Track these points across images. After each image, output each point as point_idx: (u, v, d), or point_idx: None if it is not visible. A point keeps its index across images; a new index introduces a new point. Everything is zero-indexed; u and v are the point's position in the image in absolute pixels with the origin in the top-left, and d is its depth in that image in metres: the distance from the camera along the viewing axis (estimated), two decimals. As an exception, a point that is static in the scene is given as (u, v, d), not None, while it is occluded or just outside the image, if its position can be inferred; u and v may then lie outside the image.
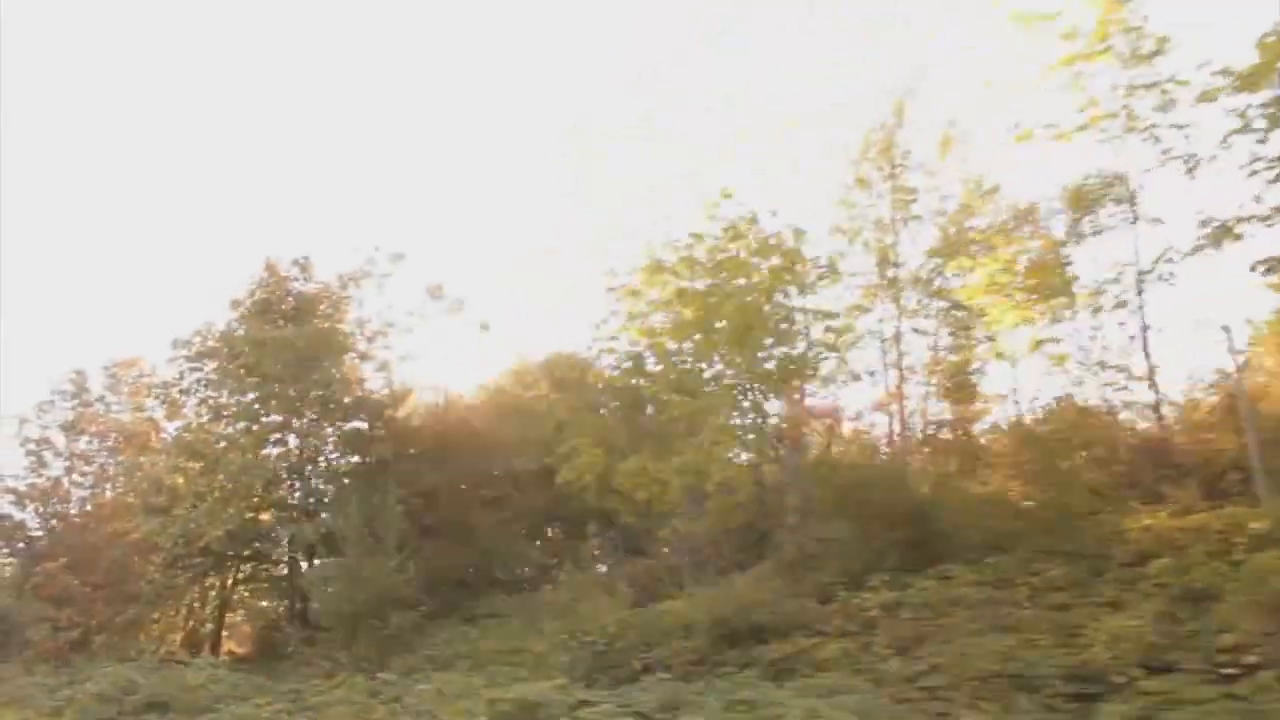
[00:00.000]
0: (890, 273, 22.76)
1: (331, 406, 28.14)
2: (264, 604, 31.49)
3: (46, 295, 59.74)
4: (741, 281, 19.00)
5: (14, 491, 39.35)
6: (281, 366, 27.16)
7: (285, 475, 28.06)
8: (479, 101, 60.40)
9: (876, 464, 18.26)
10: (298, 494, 27.36)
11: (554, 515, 28.28)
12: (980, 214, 22.36)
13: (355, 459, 29.00)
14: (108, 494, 38.67)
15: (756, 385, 19.30)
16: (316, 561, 28.43)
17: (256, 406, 28.21)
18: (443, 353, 28.73)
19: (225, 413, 29.77)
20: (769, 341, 18.91)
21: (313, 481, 27.24)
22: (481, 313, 29.12)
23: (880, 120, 23.09)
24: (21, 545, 39.76)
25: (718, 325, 18.93)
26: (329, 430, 27.99)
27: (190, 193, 64.36)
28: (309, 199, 59.62)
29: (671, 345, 20.03)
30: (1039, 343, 20.57)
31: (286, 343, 27.14)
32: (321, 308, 29.73)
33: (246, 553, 29.37)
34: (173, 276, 60.65)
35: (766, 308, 19.04)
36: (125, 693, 18.84)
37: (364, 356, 29.68)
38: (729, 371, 19.48)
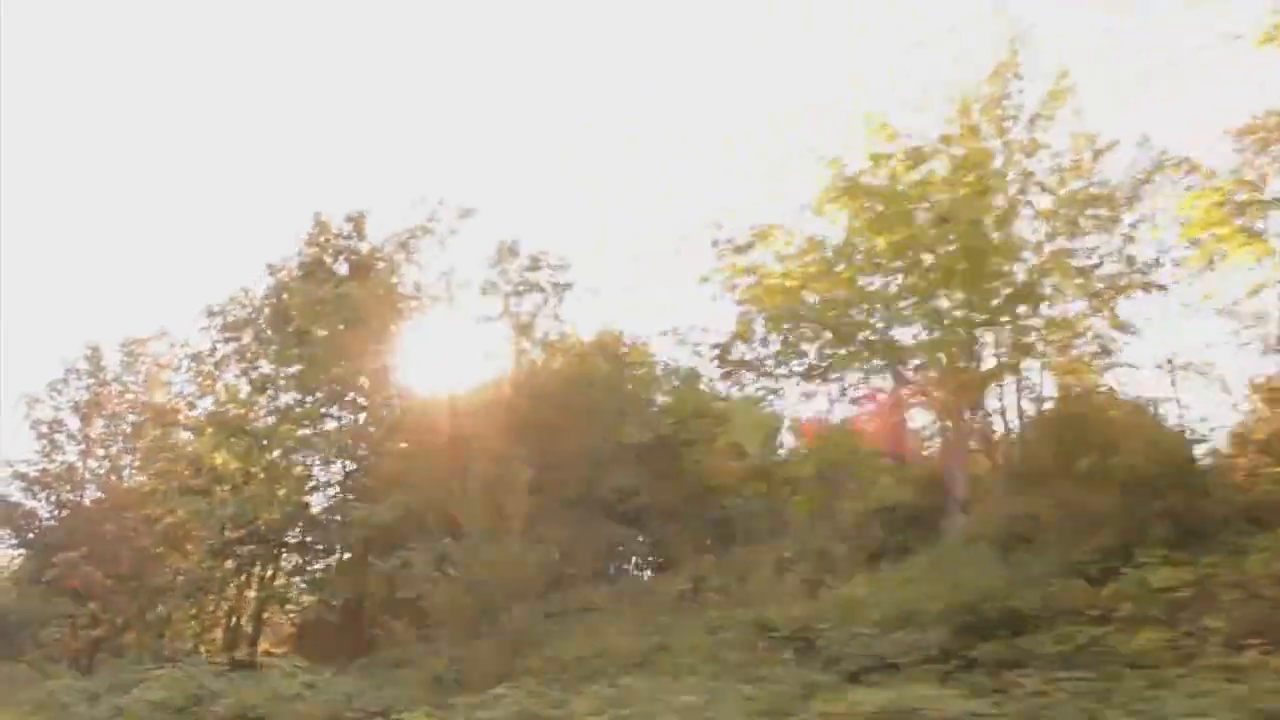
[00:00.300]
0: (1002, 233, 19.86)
1: (395, 374, 24.87)
2: (311, 598, 28.03)
3: (59, 271, 56.44)
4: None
5: (24, 477, 35.98)
6: (340, 329, 23.87)
7: (347, 451, 24.68)
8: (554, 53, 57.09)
9: (1136, 421, 15.21)
10: (363, 473, 23.94)
11: (636, 496, 25.07)
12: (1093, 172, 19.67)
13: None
14: (126, 478, 35.28)
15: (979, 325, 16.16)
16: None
17: (310, 376, 24.85)
18: (520, 317, 25.34)
19: (272, 383, 26.49)
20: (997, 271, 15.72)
21: (377, 459, 23.75)
22: (563, 274, 25.70)
23: (992, 68, 20.14)
24: (31, 536, 36.39)
25: (934, 253, 15.74)
26: (395, 401, 24.67)
27: (213, 163, 61.06)
28: (359, 163, 55.98)
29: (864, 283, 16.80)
30: (1257, 289, 17.63)
31: (346, 301, 23.84)
32: (380, 265, 26.44)
33: (294, 540, 25.99)
34: (194, 248, 57.21)
35: (995, 234, 15.89)
36: (196, 701, 15.66)
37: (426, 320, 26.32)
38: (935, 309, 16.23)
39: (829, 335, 18.75)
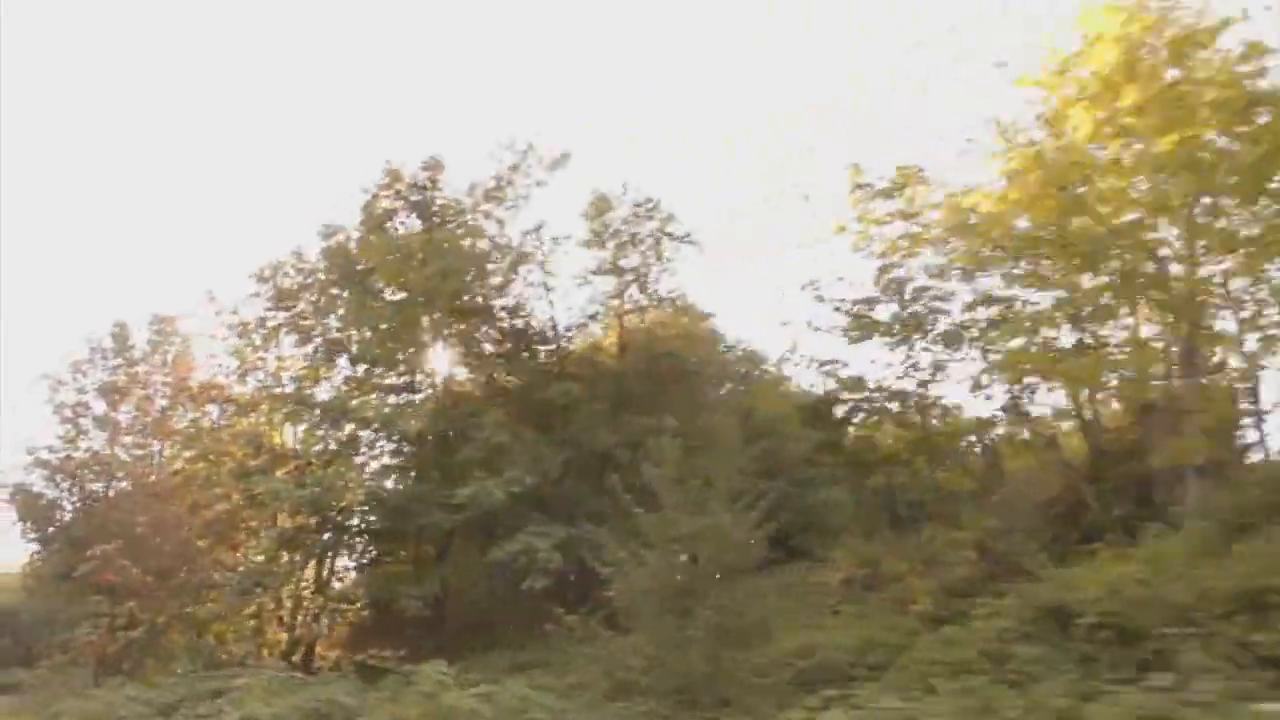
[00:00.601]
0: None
1: (488, 334, 21.73)
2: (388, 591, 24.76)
3: (82, 249, 53.26)
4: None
5: (46, 465, 32.76)
6: (429, 281, 20.73)
7: (440, 422, 21.45)
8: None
9: None
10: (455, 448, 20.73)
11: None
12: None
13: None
14: (160, 464, 32.01)
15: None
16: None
17: (391, 339, 21.69)
18: (627, 271, 22.24)
19: (342, 350, 23.39)
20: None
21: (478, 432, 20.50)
22: (672, 224, 22.51)
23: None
24: (52, 530, 33.16)
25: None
26: (499, 364, 21.48)
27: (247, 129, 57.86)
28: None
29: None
30: None
31: (438, 247, 20.71)
32: (466, 218, 23.26)
33: (375, 526, 22.81)
34: (228, 219, 54.04)
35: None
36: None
37: (514, 274, 23.05)
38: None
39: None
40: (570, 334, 22.14)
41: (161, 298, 49.10)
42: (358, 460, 22.49)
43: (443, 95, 57.07)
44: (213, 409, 29.44)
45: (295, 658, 25.90)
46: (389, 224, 24.46)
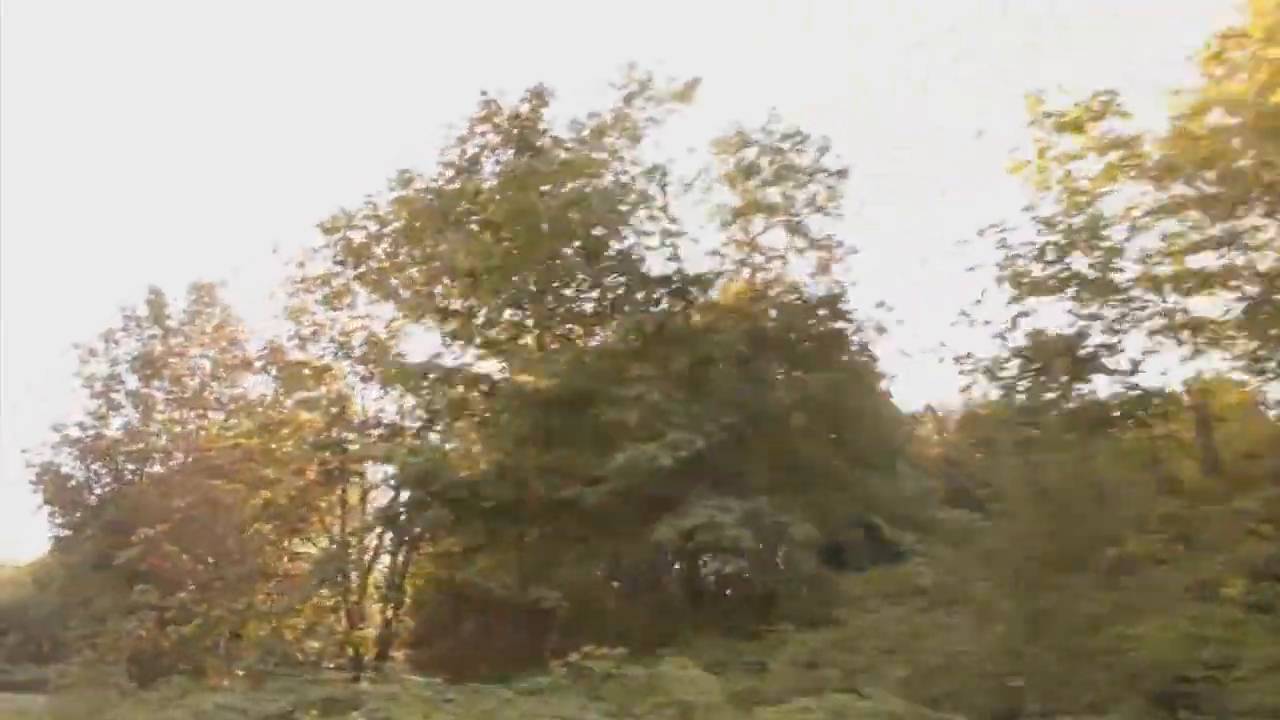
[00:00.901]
0: None
1: (619, 279, 18.65)
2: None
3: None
4: None
5: (76, 443, 29.60)
6: (556, 211, 17.70)
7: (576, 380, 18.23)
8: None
9: None
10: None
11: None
12: None
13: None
14: (206, 439, 28.75)
15: None
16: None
17: (503, 285, 18.60)
18: (778, 209, 19.24)
19: (432, 303, 20.36)
20: None
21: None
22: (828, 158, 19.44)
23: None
24: (80, 514, 30.03)
25: None
26: (641, 312, 18.27)
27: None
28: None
29: None
30: None
31: (565, 171, 17.67)
32: (577, 153, 20.16)
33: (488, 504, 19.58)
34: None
35: None
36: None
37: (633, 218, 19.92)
38: None
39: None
40: (711, 281, 19.04)
41: (204, 264, 46.09)
42: (459, 425, 19.39)
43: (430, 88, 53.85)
44: (267, 377, 26.30)
45: (369, 657, 22.94)
46: (484, 162, 21.45)
